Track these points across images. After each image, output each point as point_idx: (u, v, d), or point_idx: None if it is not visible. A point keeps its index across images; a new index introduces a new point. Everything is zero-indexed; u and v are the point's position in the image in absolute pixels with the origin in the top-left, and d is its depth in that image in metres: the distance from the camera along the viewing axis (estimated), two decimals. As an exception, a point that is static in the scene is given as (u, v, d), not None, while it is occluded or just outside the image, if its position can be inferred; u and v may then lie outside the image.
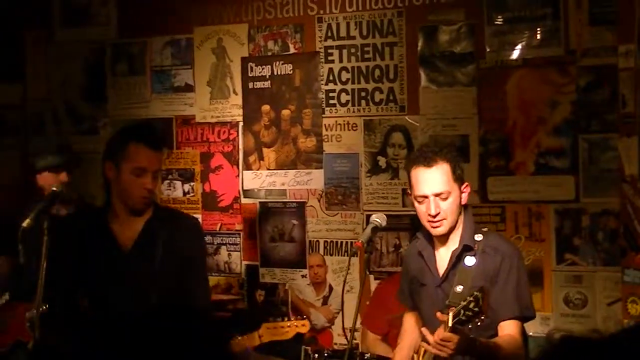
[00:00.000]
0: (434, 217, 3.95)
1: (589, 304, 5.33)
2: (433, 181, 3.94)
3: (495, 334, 3.91)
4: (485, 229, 4.13)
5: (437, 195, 3.94)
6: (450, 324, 3.63)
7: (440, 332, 3.67)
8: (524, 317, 4.01)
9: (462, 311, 3.60)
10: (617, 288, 5.23)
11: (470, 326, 3.63)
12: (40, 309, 4.07)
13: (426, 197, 3.95)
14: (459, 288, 3.88)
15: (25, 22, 6.89)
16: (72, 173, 5.37)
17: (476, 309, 3.57)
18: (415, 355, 4.18)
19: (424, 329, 3.76)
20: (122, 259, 4.30)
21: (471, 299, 3.59)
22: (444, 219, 3.96)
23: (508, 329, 3.92)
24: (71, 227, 4.47)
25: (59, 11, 6.85)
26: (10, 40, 6.88)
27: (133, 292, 4.15)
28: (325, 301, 6.06)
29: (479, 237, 3.98)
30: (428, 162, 3.97)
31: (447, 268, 3.99)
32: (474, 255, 3.94)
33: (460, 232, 4.00)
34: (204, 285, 4.55)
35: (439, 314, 3.74)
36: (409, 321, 4.34)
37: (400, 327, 5.10)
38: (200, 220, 6.24)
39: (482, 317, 3.61)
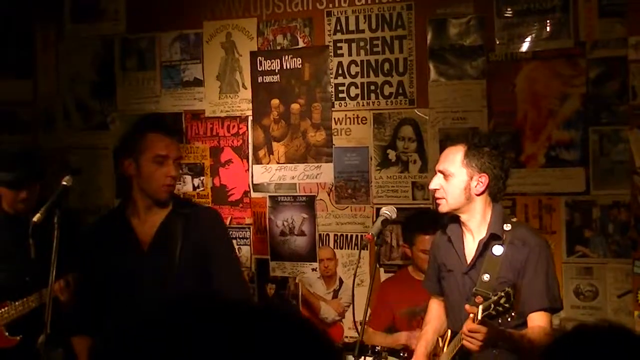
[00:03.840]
0: (434, 192, 4.05)
1: (600, 295, 5.33)
2: (443, 158, 4.03)
3: (524, 324, 3.91)
4: (514, 219, 4.14)
5: (440, 172, 4.00)
6: (479, 317, 3.63)
7: (469, 324, 3.68)
8: (553, 308, 4.01)
9: (492, 305, 3.61)
10: (627, 280, 5.23)
11: (500, 321, 3.64)
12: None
13: (436, 172, 4.06)
14: (486, 277, 3.90)
15: (35, 18, 6.91)
16: (38, 184, 4.92)
17: (507, 305, 3.58)
18: (440, 340, 4.20)
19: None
20: (142, 255, 4.22)
21: (502, 294, 3.59)
22: (442, 198, 3.99)
23: (537, 321, 3.92)
24: (94, 234, 4.40)
25: (68, 7, 6.86)
26: (20, 36, 6.89)
27: (154, 288, 4.06)
28: (335, 294, 6.06)
29: (507, 227, 3.98)
30: (452, 141, 4.13)
31: (474, 256, 4.00)
32: (501, 245, 3.94)
33: (488, 222, 3.99)
34: (235, 276, 4.40)
35: (467, 306, 3.75)
36: (435, 307, 4.35)
37: (406, 322, 5.13)
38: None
39: (513, 314, 3.61)
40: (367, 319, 4.27)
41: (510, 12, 5.49)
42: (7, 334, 4.77)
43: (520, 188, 5.48)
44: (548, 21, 5.41)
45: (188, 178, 6.46)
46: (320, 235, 6.09)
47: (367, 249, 5.72)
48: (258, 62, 6.22)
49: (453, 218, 4.10)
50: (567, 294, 5.37)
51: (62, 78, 6.90)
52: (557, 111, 5.41)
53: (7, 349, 4.76)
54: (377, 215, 4.27)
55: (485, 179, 3.93)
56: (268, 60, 6.18)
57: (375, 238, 4.06)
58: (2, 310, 4.76)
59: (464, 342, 3.73)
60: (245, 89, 6.27)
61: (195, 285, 4.15)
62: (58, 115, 6.89)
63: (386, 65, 5.86)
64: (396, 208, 4.22)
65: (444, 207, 4.03)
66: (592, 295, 5.34)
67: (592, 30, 5.30)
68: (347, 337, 5.90)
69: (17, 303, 4.70)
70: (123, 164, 4.20)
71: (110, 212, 4.53)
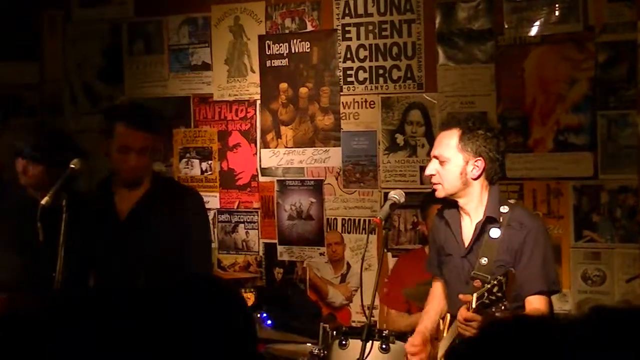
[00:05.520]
0: (430, 178, 4.04)
1: (608, 280, 5.33)
2: (438, 143, 4.01)
3: (522, 307, 3.91)
4: (512, 201, 4.14)
5: (436, 157, 3.98)
6: (473, 305, 3.63)
7: (464, 312, 3.69)
8: (550, 291, 4.00)
9: (485, 294, 3.60)
10: (635, 264, 5.23)
11: (494, 309, 3.64)
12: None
13: (432, 157, 4.05)
14: (484, 260, 3.90)
15: (42, 2, 6.89)
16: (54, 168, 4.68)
17: (499, 294, 3.56)
18: (441, 322, 4.21)
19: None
20: (118, 228, 4.47)
21: (495, 282, 3.58)
22: (439, 183, 3.98)
23: (535, 304, 3.91)
24: (84, 204, 4.56)
25: (75, -10, 6.85)
26: (27, 20, 6.88)
27: (129, 261, 4.33)
28: (343, 279, 6.07)
29: (504, 209, 3.97)
30: (445, 126, 4.07)
31: (471, 239, 3.99)
32: (499, 228, 3.94)
33: (485, 205, 3.98)
34: (201, 258, 4.59)
35: (461, 295, 3.75)
36: (438, 288, 4.34)
37: (415, 301, 5.13)
38: (218, 198, 6.31)
39: (506, 303, 3.61)
40: (375, 298, 4.28)
41: (519, -4, 5.48)
42: None
43: (528, 173, 5.48)
44: (557, 5, 5.39)
45: (196, 162, 6.46)
46: (328, 219, 6.10)
47: (375, 233, 5.73)
48: (266, 46, 6.21)
49: (450, 201, 4.10)
50: (574, 279, 5.38)
51: (69, 62, 6.89)
52: (565, 95, 5.41)
53: None
54: (385, 199, 4.27)
55: (481, 162, 3.92)
56: (276, 44, 6.17)
57: (383, 222, 4.05)
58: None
59: (460, 330, 3.75)
60: (254, 72, 6.27)
61: (169, 260, 4.35)
62: (65, 99, 6.89)
63: (394, 49, 5.85)
64: (404, 192, 4.21)
65: (440, 193, 4.02)
66: (599, 280, 5.34)
67: (601, 14, 5.29)
68: (354, 321, 5.91)
69: None
70: (102, 142, 4.52)
71: (99, 185, 4.74)
